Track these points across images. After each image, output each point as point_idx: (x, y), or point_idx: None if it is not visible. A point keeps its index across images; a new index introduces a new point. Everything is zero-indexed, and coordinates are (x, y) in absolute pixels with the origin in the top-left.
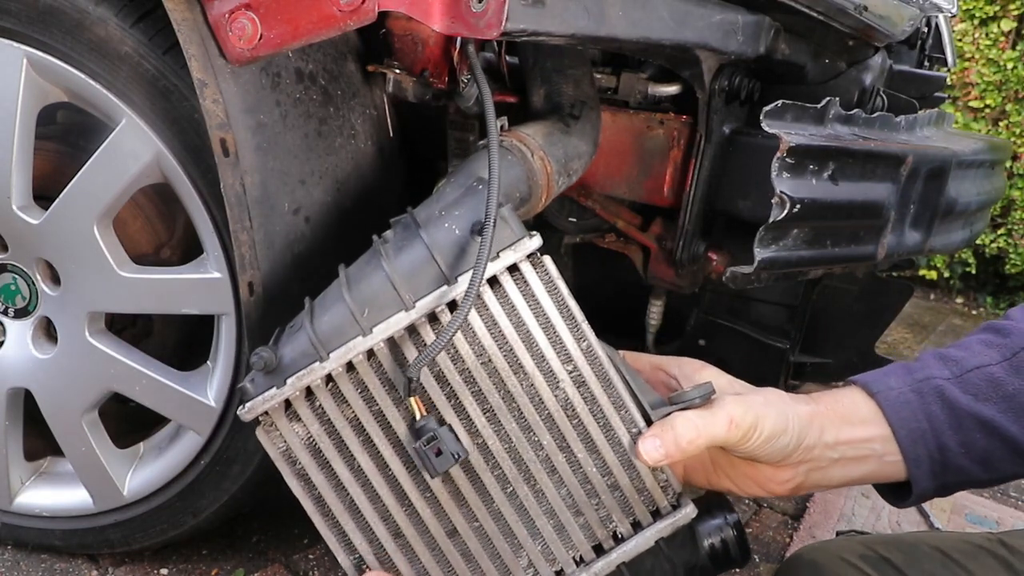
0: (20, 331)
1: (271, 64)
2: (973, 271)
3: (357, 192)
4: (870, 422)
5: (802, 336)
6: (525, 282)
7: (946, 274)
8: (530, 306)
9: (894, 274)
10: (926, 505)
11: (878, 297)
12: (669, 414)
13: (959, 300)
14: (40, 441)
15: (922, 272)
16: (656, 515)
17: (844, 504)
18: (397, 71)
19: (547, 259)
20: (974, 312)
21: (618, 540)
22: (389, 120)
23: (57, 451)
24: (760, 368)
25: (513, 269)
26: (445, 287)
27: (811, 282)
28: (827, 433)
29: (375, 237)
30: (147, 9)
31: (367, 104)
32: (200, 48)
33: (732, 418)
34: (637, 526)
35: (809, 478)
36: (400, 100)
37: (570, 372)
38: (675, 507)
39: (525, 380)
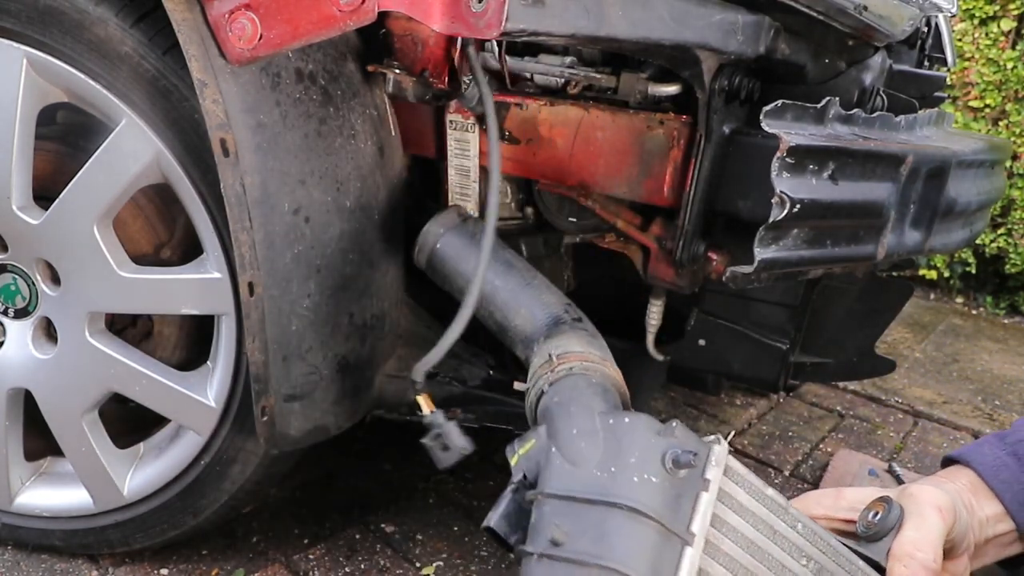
0: (20, 331)
1: (271, 64)
2: (973, 271)
3: (357, 192)
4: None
5: (802, 336)
6: (728, 495)
7: (946, 274)
8: (745, 520)
9: (894, 274)
10: None
11: (878, 297)
12: (888, 548)
13: (959, 300)
14: (40, 441)
15: (922, 272)
16: None
17: None
18: (397, 71)
19: (731, 460)
20: (974, 312)
21: None
22: (390, 120)
23: (57, 451)
24: (760, 368)
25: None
26: (687, 548)
27: (811, 282)
28: (976, 508)
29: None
30: (147, 9)
31: (367, 104)
32: (200, 48)
33: (938, 506)
34: None
35: (971, 566)
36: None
37: (806, 565)
38: None
39: None
